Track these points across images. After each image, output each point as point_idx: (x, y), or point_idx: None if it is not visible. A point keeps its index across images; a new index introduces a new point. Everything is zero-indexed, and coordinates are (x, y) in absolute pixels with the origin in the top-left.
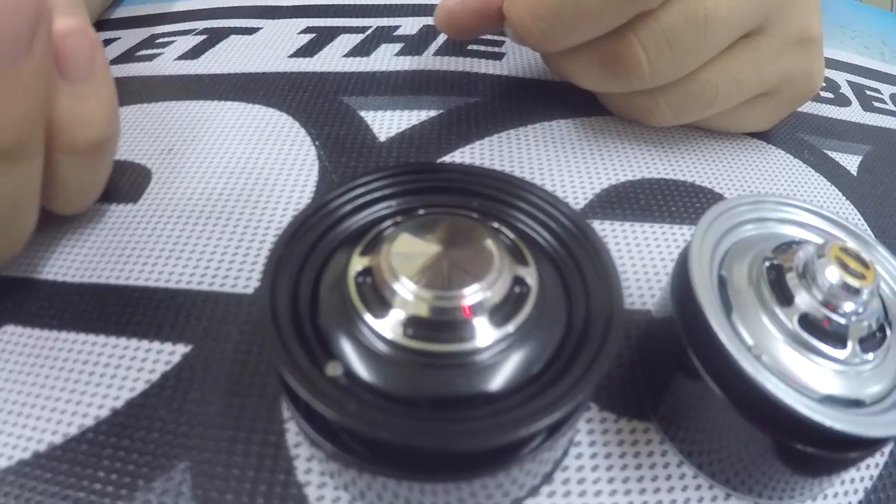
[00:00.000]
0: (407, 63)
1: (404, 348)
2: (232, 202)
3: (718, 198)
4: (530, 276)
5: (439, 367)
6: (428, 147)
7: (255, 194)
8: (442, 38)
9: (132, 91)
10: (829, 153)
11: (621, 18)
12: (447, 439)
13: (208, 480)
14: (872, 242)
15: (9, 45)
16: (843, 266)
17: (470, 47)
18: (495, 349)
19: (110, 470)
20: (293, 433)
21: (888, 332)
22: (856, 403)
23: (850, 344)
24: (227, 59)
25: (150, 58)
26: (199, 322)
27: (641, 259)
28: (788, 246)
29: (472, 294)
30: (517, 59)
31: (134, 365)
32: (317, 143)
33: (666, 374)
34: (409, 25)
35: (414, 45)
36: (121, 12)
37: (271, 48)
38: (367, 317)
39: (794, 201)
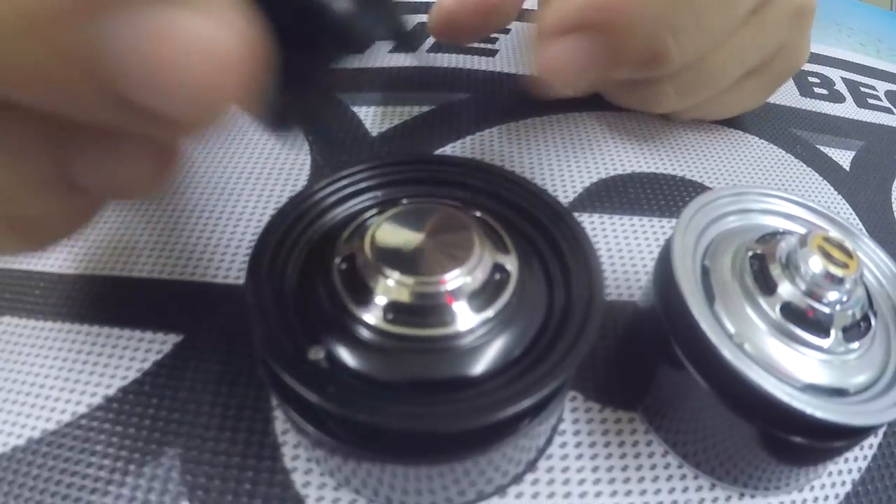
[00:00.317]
0: (400, 59)
1: (385, 333)
2: (226, 196)
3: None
4: (510, 263)
5: (420, 351)
6: (420, 142)
7: (249, 188)
8: None
9: None
10: (821, 148)
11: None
12: (424, 421)
13: (196, 466)
14: (856, 232)
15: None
16: (826, 255)
17: None
18: (475, 334)
19: (103, 455)
20: (280, 421)
21: (873, 321)
22: (839, 392)
23: (833, 333)
24: None
25: None
26: (191, 312)
27: (630, 251)
28: (772, 236)
29: (451, 280)
30: (509, 56)
31: (126, 354)
32: (310, 137)
33: (650, 364)
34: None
35: (408, 41)
36: None
37: None
38: (350, 303)
39: (776, 192)
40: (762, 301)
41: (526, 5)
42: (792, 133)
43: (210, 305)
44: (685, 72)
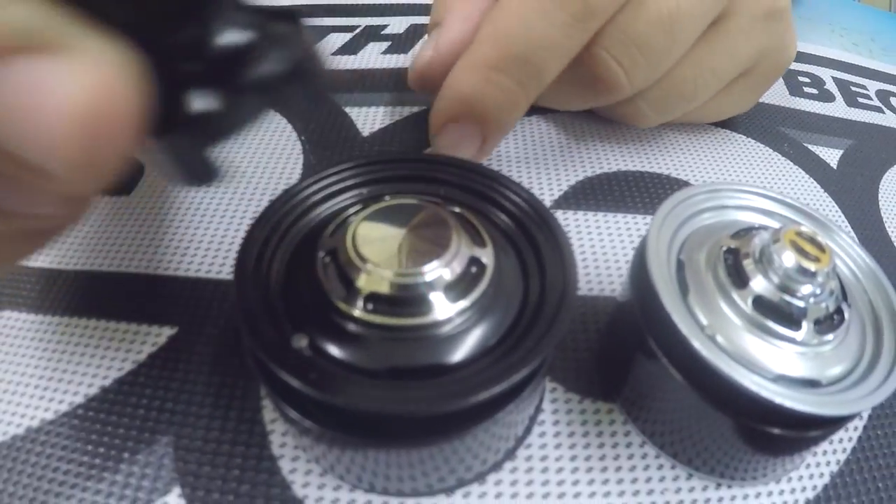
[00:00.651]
0: (392, 61)
1: (366, 322)
2: (220, 194)
3: None
4: (487, 256)
5: (399, 339)
6: (409, 142)
7: (242, 186)
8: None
9: None
10: (809, 146)
11: (585, 36)
12: (400, 404)
13: (188, 454)
14: (832, 226)
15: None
16: (799, 250)
17: None
18: (452, 323)
19: (98, 444)
20: (269, 410)
21: (846, 313)
22: (812, 383)
23: (805, 325)
24: None
25: None
26: (185, 306)
27: (613, 247)
28: (746, 231)
29: (428, 272)
30: None
31: (122, 346)
32: (302, 137)
33: (628, 356)
34: (397, 25)
35: (400, 43)
36: None
37: None
38: (332, 294)
39: (751, 188)
40: (735, 294)
41: None
42: (780, 131)
43: (203, 300)
44: (654, 89)
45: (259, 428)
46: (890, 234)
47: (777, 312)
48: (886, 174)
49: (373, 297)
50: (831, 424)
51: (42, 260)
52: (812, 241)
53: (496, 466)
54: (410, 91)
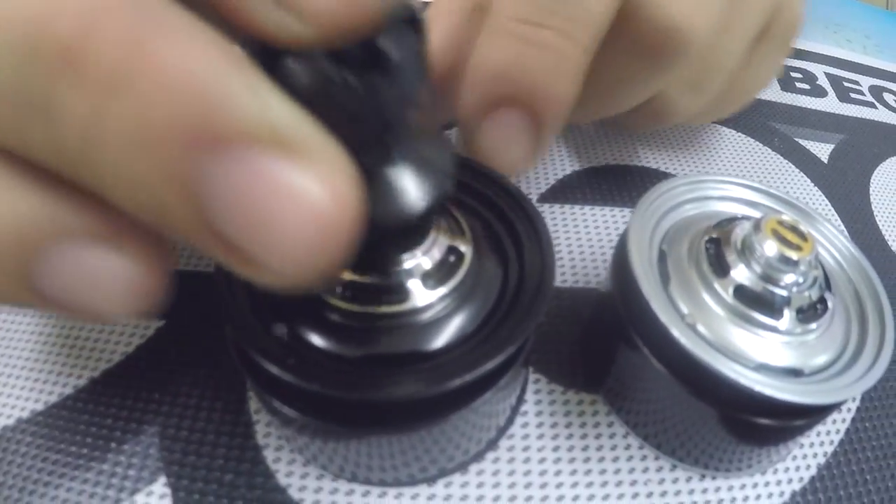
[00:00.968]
0: None
1: (344, 311)
2: None
3: None
4: (465, 245)
5: (376, 327)
6: None
7: None
8: None
9: None
10: (800, 141)
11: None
12: (375, 390)
13: (174, 443)
14: (815, 215)
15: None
16: (781, 238)
17: None
18: (429, 311)
19: (86, 434)
20: (254, 401)
21: (830, 302)
22: (794, 372)
23: (787, 314)
24: None
25: None
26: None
27: (599, 240)
28: (728, 222)
29: (406, 260)
30: None
31: (112, 338)
32: None
33: (611, 347)
34: None
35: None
36: None
37: None
38: None
39: (734, 179)
40: (716, 284)
41: None
42: (770, 126)
43: (191, 293)
44: (686, 66)
45: (244, 418)
46: (881, 228)
47: (759, 302)
48: (878, 169)
49: (351, 286)
50: (815, 414)
51: None
52: (794, 229)
53: (478, 456)
54: None
